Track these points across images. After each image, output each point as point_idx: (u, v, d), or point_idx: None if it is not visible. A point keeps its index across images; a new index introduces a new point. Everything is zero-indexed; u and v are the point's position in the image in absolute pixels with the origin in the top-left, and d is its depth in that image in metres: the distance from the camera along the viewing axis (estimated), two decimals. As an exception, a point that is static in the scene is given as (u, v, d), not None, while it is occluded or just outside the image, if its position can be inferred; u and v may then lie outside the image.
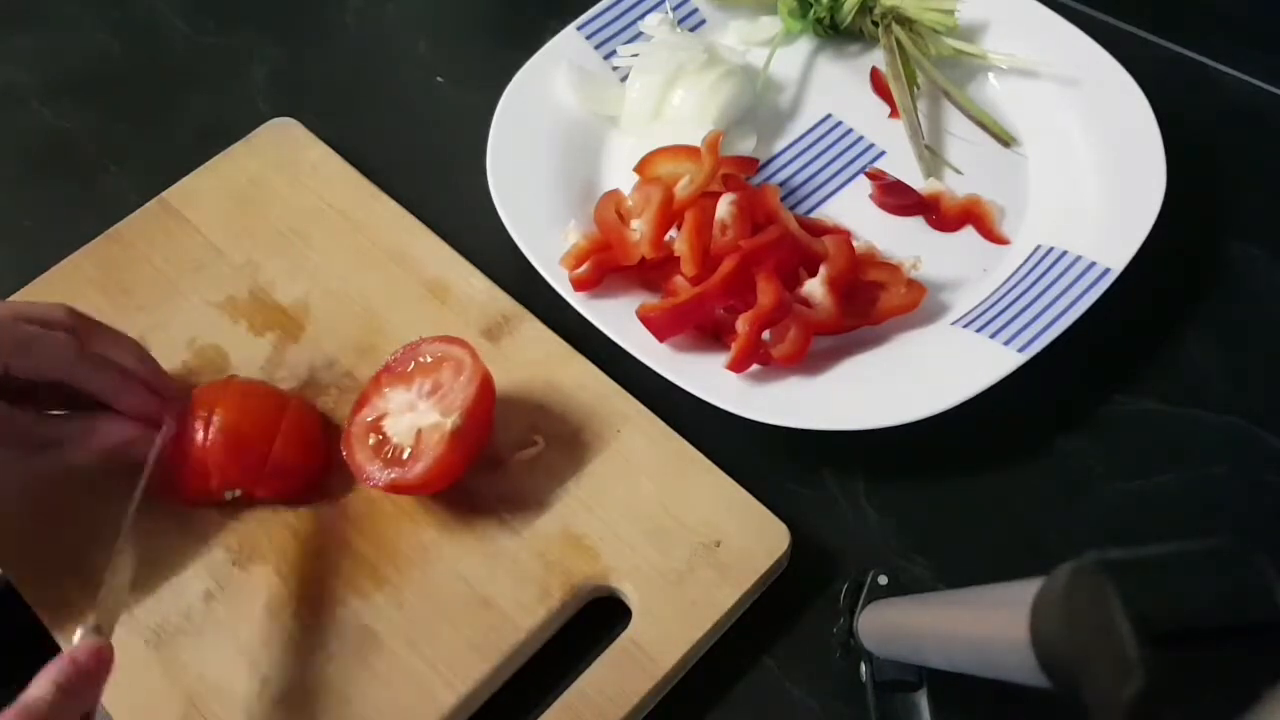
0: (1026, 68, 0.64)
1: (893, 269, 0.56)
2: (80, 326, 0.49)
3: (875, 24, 0.66)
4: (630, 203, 0.58)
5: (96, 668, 0.41)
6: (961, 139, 0.64)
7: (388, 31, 0.74)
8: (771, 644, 0.49)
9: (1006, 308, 0.55)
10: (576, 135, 0.63)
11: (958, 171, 0.62)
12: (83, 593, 0.49)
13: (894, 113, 0.65)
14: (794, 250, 0.55)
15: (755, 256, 0.54)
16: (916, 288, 0.55)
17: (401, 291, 0.58)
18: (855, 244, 0.56)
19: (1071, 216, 0.58)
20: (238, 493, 0.51)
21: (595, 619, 0.49)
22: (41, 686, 0.38)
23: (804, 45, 0.68)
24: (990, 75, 0.66)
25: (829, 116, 0.65)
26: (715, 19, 0.68)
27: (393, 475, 0.48)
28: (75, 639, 0.41)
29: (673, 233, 0.56)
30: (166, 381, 0.52)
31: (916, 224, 0.60)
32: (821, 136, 0.64)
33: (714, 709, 0.48)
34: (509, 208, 0.58)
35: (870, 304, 0.55)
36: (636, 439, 0.52)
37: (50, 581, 0.50)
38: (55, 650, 0.48)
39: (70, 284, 0.59)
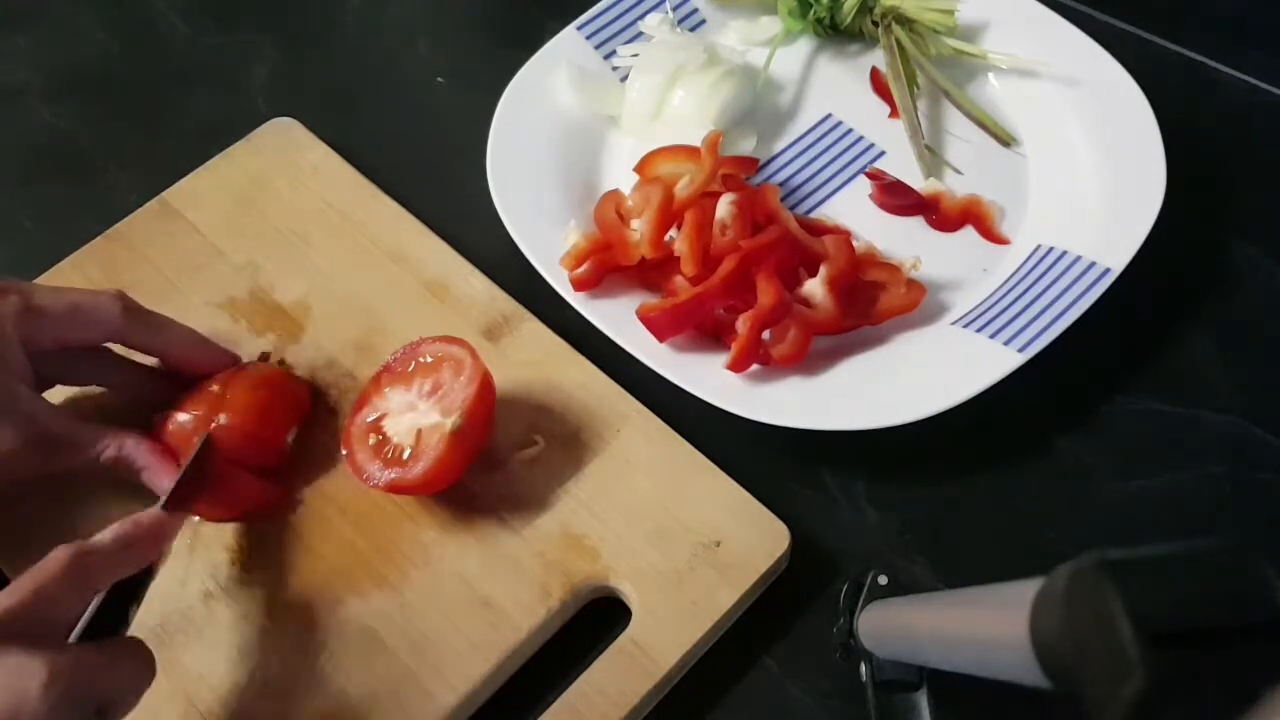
0: (1026, 68, 0.64)
1: (893, 269, 0.56)
2: (128, 303, 0.51)
3: (875, 24, 0.66)
4: (630, 203, 0.58)
5: (157, 532, 0.43)
6: (961, 139, 0.64)
7: (388, 31, 0.74)
8: (771, 644, 0.49)
9: (1006, 308, 0.55)
10: (576, 135, 0.63)
11: (958, 171, 0.62)
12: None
13: (894, 113, 0.65)
14: (794, 250, 0.55)
15: (755, 256, 0.54)
16: (916, 288, 0.55)
17: (401, 291, 0.58)
18: (855, 244, 0.56)
19: (1071, 216, 0.58)
20: None
21: (595, 619, 0.49)
22: (103, 534, 0.41)
23: (804, 45, 0.68)
24: (990, 75, 0.66)
25: (829, 116, 0.65)
26: (715, 19, 0.68)
27: (393, 475, 0.48)
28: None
29: (673, 233, 0.56)
30: (216, 349, 0.54)
31: (916, 224, 0.60)
32: (821, 136, 0.64)
33: (714, 709, 0.48)
34: (509, 208, 0.58)
35: (870, 304, 0.55)
36: (636, 439, 0.52)
37: (32, 553, 0.50)
38: None
39: (70, 284, 0.59)
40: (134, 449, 0.49)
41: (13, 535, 0.51)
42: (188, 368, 0.52)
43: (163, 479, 0.49)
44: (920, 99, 0.65)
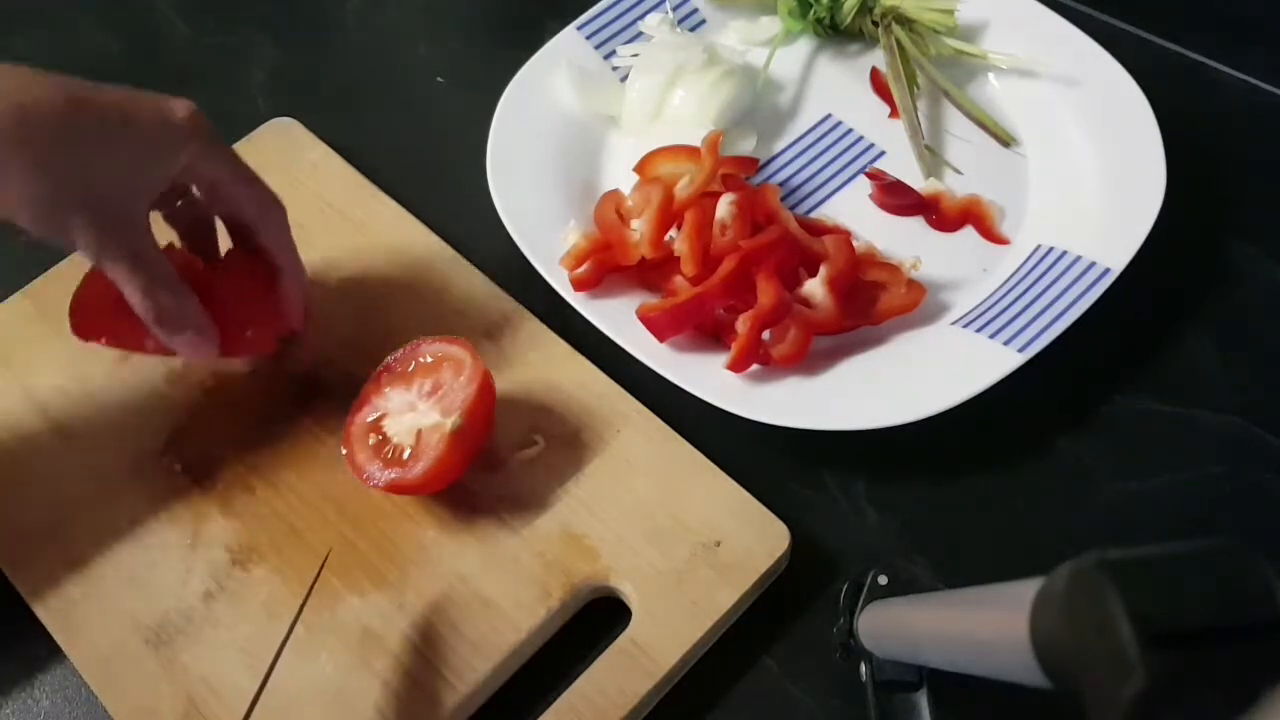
0: (1026, 68, 0.64)
1: (893, 269, 0.56)
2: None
3: (875, 24, 0.66)
4: (630, 203, 0.58)
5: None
6: (961, 139, 0.64)
7: (388, 31, 0.74)
8: (771, 644, 0.49)
9: (1006, 308, 0.55)
10: (576, 135, 0.63)
11: (958, 171, 0.62)
12: (63, 565, 0.49)
13: (894, 113, 0.65)
14: (794, 250, 0.55)
15: (755, 256, 0.54)
16: (916, 288, 0.55)
17: (401, 291, 0.58)
18: (855, 244, 0.56)
19: (1072, 216, 0.58)
20: None
21: (595, 619, 0.49)
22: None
23: (804, 45, 0.68)
24: (990, 75, 0.66)
25: (829, 116, 0.65)
26: (715, 19, 0.68)
27: (393, 475, 0.48)
28: None
29: (673, 233, 0.56)
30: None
31: (916, 224, 0.60)
32: (821, 136, 0.64)
33: (714, 709, 0.48)
34: (509, 208, 0.58)
35: (870, 304, 0.55)
36: (636, 439, 0.52)
37: (31, 553, 0.50)
38: (34, 622, 0.49)
39: (70, 284, 0.59)
40: (188, 306, 0.48)
41: (13, 541, 0.51)
42: (283, 300, 0.52)
43: (197, 352, 0.49)
44: (920, 99, 0.65)
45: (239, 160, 0.50)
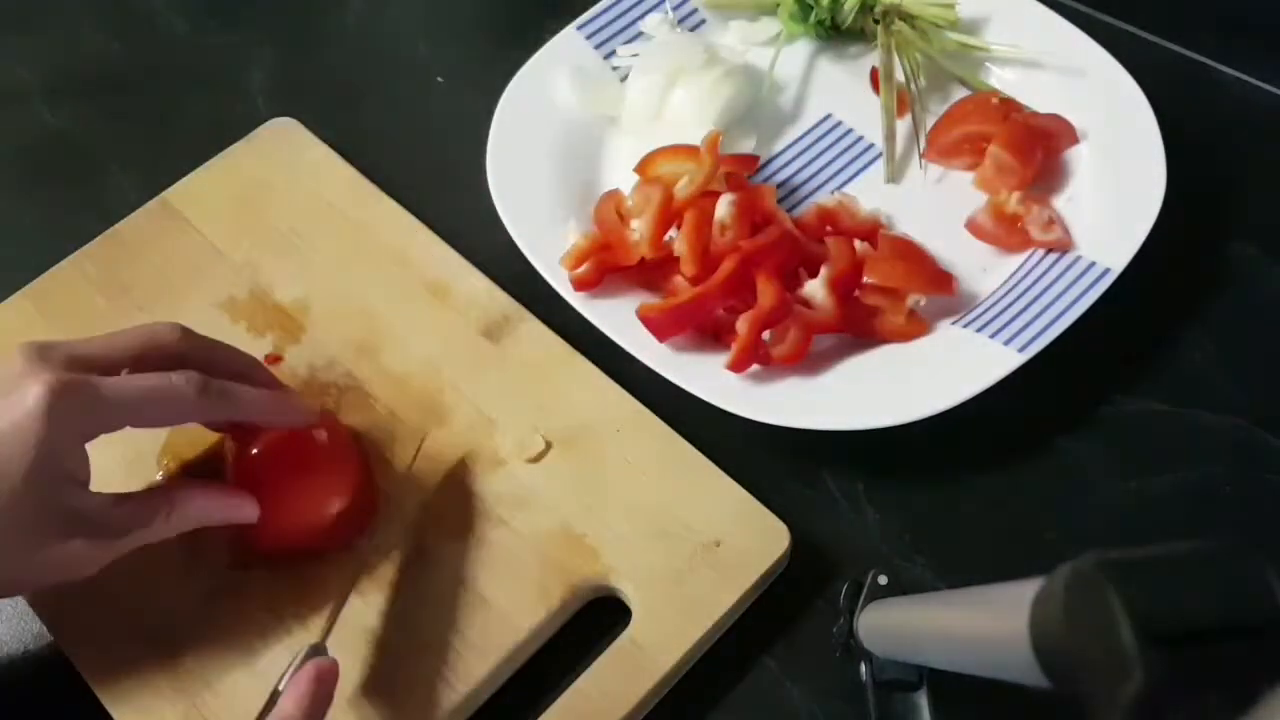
0: (1026, 68, 0.64)
1: (896, 296, 0.55)
2: (194, 350, 0.47)
3: (876, 22, 0.65)
4: (630, 203, 0.58)
5: (332, 684, 0.43)
6: (961, 139, 0.64)
7: (388, 31, 0.74)
8: (771, 644, 0.49)
9: (1006, 308, 0.55)
10: (576, 135, 0.63)
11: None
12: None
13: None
14: (794, 250, 0.55)
15: (755, 256, 0.54)
16: (917, 321, 0.54)
17: (401, 291, 0.58)
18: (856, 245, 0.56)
19: (1072, 216, 0.58)
20: None
21: (595, 619, 0.49)
22: (289, 707, 0.41)
23: (804, 46, 0.68)
24: (991, 79, 0.66)
25: (829, 116, 0.65)
26: (715, 19, 0.68)
27: None
28: (298, 660, 0.44)
29: (673, 233, 0.56)
30: (297, 410, 0.50)
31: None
32: (821, 136, 0.64)
33: (714, 709, 0.48)
34: (509, 208, 0.58)
35: (869, 322, 0.55)
36: (636, 439, 0.52)
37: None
38: (34, 622, 0.49)
39: (70, 284, 0.59)
40: (188, 502, 0.46)
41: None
42: (269, 428, 0.49)
43: (240, 509, 0.47)
44: (923, 98, 0.65)
45: (131, 387, 0.44)
